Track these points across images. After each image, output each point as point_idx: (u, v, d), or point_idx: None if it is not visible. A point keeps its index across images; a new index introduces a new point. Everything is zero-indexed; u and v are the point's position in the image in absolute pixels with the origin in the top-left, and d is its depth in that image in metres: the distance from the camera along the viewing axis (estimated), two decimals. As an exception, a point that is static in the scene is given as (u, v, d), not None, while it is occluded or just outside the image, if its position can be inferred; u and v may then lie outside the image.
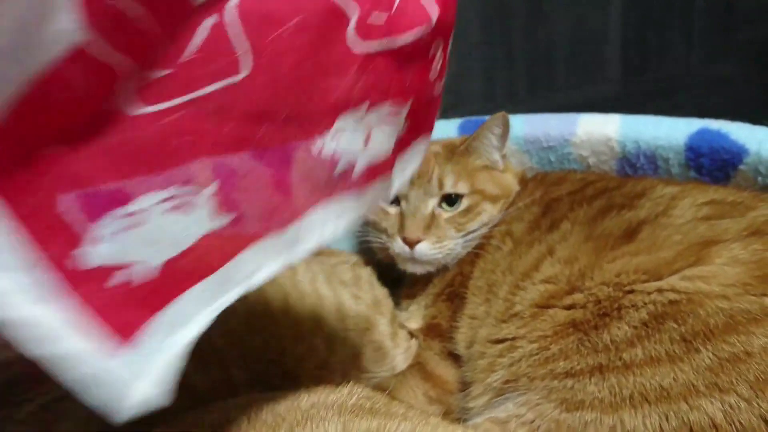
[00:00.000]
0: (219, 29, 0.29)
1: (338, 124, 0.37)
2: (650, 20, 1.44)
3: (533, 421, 0.55)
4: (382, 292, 0.81)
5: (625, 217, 0.63)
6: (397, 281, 0.85)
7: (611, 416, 0.51)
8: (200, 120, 0.30)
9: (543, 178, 0.80)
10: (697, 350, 0.50)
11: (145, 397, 0.29)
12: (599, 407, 0.52)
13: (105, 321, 0.28)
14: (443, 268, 0.78)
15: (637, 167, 0.80)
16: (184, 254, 0.32)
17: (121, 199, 0.28)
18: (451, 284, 0.76)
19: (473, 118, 0.92)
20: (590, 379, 0.54)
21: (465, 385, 0.67)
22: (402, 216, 0.77)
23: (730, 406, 0.47)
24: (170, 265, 0.31)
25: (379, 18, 0.36)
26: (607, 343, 0.55)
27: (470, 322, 0.70)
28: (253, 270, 0.36)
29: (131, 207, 0.29)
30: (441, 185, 0.77)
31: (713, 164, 0.74)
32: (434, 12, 0.39)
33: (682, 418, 0.48)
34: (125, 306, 0.30)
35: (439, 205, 0.77)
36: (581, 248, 0.63)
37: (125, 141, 0.28)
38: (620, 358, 0.53)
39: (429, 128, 0.48)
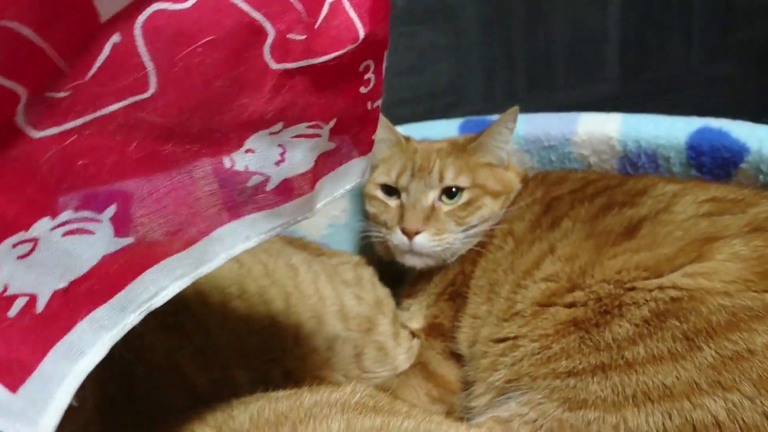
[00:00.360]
0: (124, 47, 0.29)
1: (250, 140, 0.36)
2: (649, 20, 1.44)
3: (536, 420, 0.55)
4: (384, 293, 0.81)
5: (626, 215, 0.63)
6: (399, 281, 0.85)
7: (614, 415, 0.51)
8: (104, 139, 0.30)
9: (544, 178, 0.80)
10: (700, 348, 0.50)
11: (52, 424, 0.30)
12: (602, 406, 0.52)
13: (6, 357, 0.28)
14: (444, 267, 0.78)
15: (638, 166, 0.79)
16: (84, 277, 0.32)
17: (17, 226, 0.28)
18: (453, 283, 0.76)
19: (474, 117, 0.92)
20: (593, 377, 0.54)
21: (467, 385, 0.67)
22: (402, 208, 0.77)
23: (734, 404, 0.47)
24: (72, 290, 0.31)
25: (298, 36, 0.35)
26: (609, 341, 0.55)
27: (472, 321, 0.70)
28: (156, 291, 0.36)
29: (27, 234, 0.28)
30: (441, 178, 0.77)
31: (714, 163, 0.74)
32: (361, 31, 0.37)
33: (686, 416, 0.48)
34: (25, 340, 0.29)
35: (440, 199, 0.77)
36: (582, 246, 0.62)
37: (25, 165, 0.27)
38: (622, 357, 0.53)
39: (365, 146, 0.46)
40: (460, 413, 0.66)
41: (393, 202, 0.79)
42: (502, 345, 0.63)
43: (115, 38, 0.28)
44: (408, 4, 1.16)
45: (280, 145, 0.38)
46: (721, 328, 0.50)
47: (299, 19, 0.34)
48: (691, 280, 0.54)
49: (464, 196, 0.76)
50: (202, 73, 0.32)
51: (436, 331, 0.75)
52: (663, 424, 0.49)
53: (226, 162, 0.36)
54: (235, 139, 0.36)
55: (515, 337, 0.62)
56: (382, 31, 0.39)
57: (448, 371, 0.71)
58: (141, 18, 0.29)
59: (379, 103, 0.44)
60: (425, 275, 0.79)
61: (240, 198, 0.38)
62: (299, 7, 0.34)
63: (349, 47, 0.37)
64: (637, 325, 0.54)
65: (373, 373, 0.70)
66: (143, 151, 0.32)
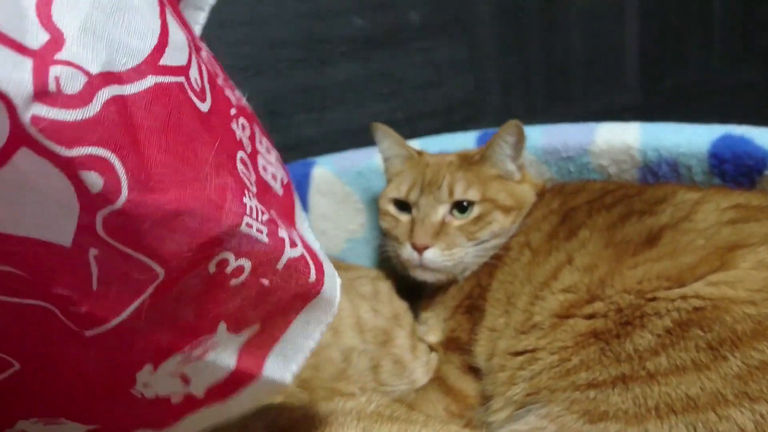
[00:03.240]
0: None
1: (139, 380, 0.36)
2: (669, 28, 1.43)
3: (555, 433, 0.54)
4: (401, 306, 0.80)
5: (646, 223, 0.62)
6: (418, 295, 0.84)
7: (636, 427, 0.50)
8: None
9: (561, 189, 0.79)
10: (725, 358, 0.49)
11: None
12: (623, 418, 0.51)
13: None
14: (457, 281, 0.77)
15: (659, 176, 0.78)
16: None
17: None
18: (470, 296, 0.75)
19: (491, 130, 0.92)
20: (613, 389, 0.53)
21: (485, 399, 0.66)
22: (412, 223, 0.77)
23: (761, 416, 0.46)
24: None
25: (78, 310, 0.31)
26: (630, 352, 0.53)
27: (489, 334, 0.69)
28: None
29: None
30: (451, 192, 0.76)
31: (737, 170, 0.72)
32: (159, 268, 0.31)
33: (711, 428, 0.47)
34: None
35: (450, 213, 0.76)
36: (601, 255, 0.61)
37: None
38: (644, 368, 0.52)
39: (306, 294, 0.40)
40: (478, 428, 0.65)
41: (404, 217, 0.79)
42: (520, 358, 0.62)
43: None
44: (424, 18, 1.17)
45: (172, 374, 0.37)
46: (747, 337, 0.49)
47: (64, 295, 0.30)
48: (714, 289, 0.53)
49: (475, 211, 0.76)
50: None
51: (453, 345, 0.74)
52: (687, 437, 0.47)
53: (136, 393, 0.37)
54: (123, 379, 0.36)
55: (533, 350, 0.61)
56: (203, 236, 0.32)
57: (467, 386, 0.70)
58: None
59: (287, 256, 0.37)
60: (442, 289, 0.79)
61: (179, 406, 0.39)
62: (56, 289, 0.30)
63: (153, 285, 0.32)
64: (659, 336, 0.53)
65: (390, 386, 0.69)
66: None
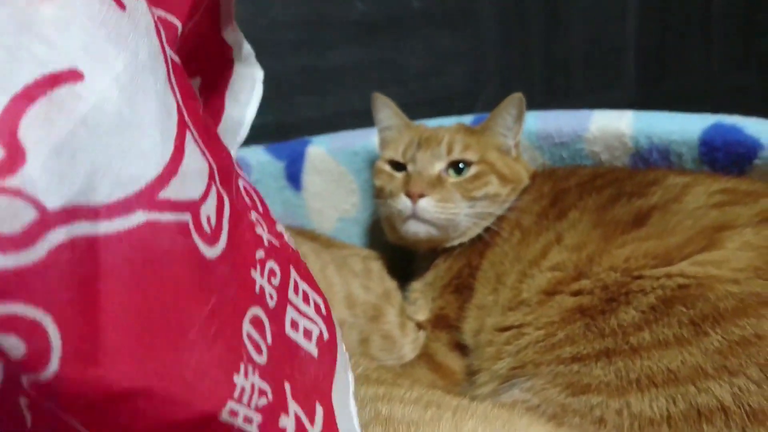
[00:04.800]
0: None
1: None
2: (669, 27, 1.44)
3: (539, 405, 0.55)
4: (392, 285, 0.81)
5: (636, 204, 0.63)
6: (408, 276, 0.85)
7: (618, 400, 0.51)
8: None
9: (552, 173, 0.80)
10: (706, 333, 0.50)
11: None
12: (605, 391, 0.52)
13: None
14: (449, 258, 0.78)
15: (650, 163, 0.79)
16: None
17: None
18: (459, 276, 0.75)
19: (486, 114, 0.92)
20: (596, 363, 0.53)
21: (472, 374, 0.67)
22: (408, 176, 0.77)
23: (740, 389, 0.46)
24: None
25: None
26: (614, 327, 0.54)
27: (478, 311, 0.70)
28: None
29: None
30: (450, 150, 0.76)
31: (727, 159, 0.73)
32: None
33: (690, 401, 0.48)
34: None
35: (446, 171, 0.76)
36: (590, 235, 0.62)
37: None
38: (627, 342, 0.53)
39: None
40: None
41: (399, 174, 0.79)
42: (506, 334, 0.63)
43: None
44: (426, 6, 1.18)
45: None
46: (729, 314, 0.50)
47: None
48: (699, 268, 0.54)
49: (471, 170, 0.76)
50: None
51: (441, 323, 0.74)
52: (667, 408, 0.48)
53: None
54: None
55: (520, 326, 0.62)
56: (161, 425, 0.24)
57: (453, 362, 0.71)
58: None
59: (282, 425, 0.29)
60: (432, 268, 0.79)
61: None
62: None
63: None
64: (643, 312, 0.54)
65: (380, 360, 0.70)
66: None
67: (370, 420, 0.40)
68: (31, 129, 0.20)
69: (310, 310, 0.35)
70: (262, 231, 0.33)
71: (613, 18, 1.39)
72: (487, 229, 0.75)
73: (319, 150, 0.95)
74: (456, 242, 0.77)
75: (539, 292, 0.62)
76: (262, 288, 0.30)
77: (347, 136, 0.96)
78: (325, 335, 0.35)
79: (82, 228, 0.21)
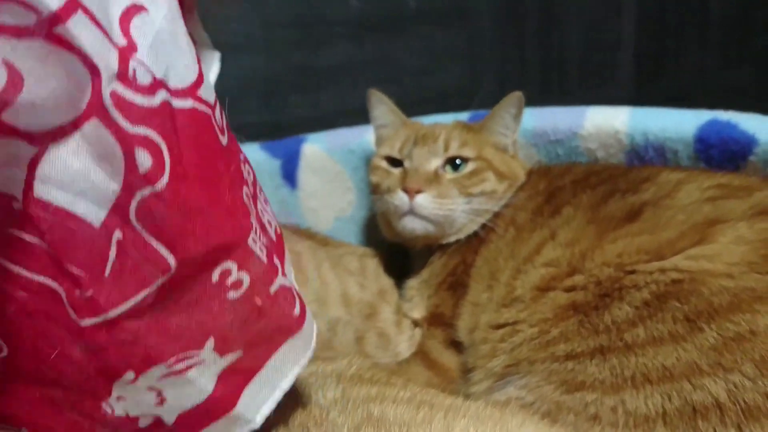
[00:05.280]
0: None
1: (115, 389, 0.35)
2: (665, 25, 1.44)
3: (533, 403, 0.54)
4: (388, 283, 0.81)
5: (629, 200, 0.63)
6: (404, 273, 0.85)
7: (612, 397, 0.50)
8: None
9: (547, 171, 0.80)
10: (701, 329, 0.49)
11: None
12: (600, 388, 0.51)
13: None
14: (445, 255, 0.77)
15: (645, 160, 0.79)
16: None
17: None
18: (454, 273, 0.75)
19: (482, 111, 0.92)
20: (591, 360, 0.53)
21: (466, 371, 0.67)
22: (404, 172, 0.76)
23: (735, 386, 0.46)
24: None
25: (85, 293, 0.32)
26: (608, 324, 0.54)
27: (472, 308, 0.69)
28: None
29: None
30: (447, 147, 0.76)
31: (723, 155, 0.73)
32: (171, 260, 0.33)
33: (685, 397, 0.47)
34: None
35: (443, 168, 0.76)
36: (583, 231, 0.62)
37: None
38: (621, 339, 0.52)
39: (288, 327, 0.41)
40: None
41: (395, 170, 0.79)
42: (501, 331, 0.62)
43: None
44: (422, 4, 1.18)
45: (150, 389, 0.36)
46: (723, 309, 0.49)
47: (76, 276, 0.32)
48: (693, 263, 0.53)
49: (469, 167, 0.76)
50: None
51: (437, 321, 0.74)
52: (662, 405, 0.48)
53: (106, 408, 0.36)
54: (100, 387, 0.35)
55: (514, 323, 0.61)
56: (217, 239, 0.35)
57: (449, 360, 0.71)
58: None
59: (279, 284, 0.39)
60: (428, 264, 0.79)
61: None
62: (71, 267, 0.31)
63: (161, 279, 0.33)
64: (637, 308, 0.53)
65: (375, 358, 0.70)
66: None
67: (362, 421, 0.39)
68: (135, 31, 0.31)
69: (269, 209, 0.45)
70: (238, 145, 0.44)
71: (610, 15, 1.39)
72: (483, 226, 0.75)
73: (315, 148, 0.94)
74: (452, 238, 0.77)
75: (533, 289, 0.61)
76: (246, 178, 0.41)
77: (343, 134, 0.96)
78: (278, 230, 0.45)
79: (168, 97, 0.33)
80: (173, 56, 0.33)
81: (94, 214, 0.31)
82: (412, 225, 0.74)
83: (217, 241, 0.35)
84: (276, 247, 0.42)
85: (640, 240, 0.57)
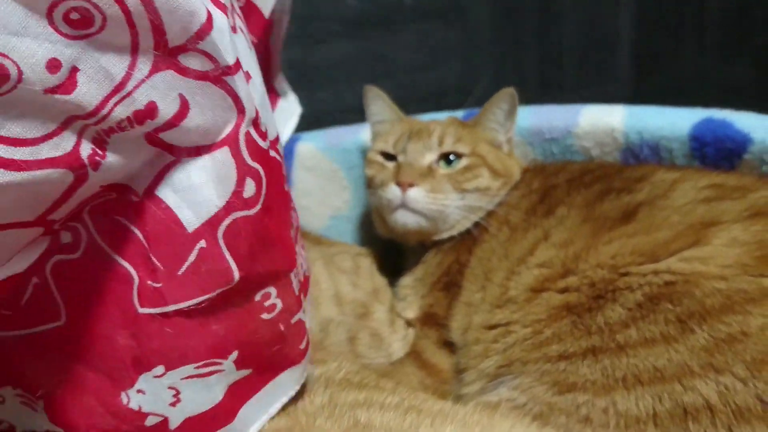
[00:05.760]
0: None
1: (139, 381, 0.39)
2: (662, 21, 1.43)
3: (525, 404, 0.54)
4: (381, 282, 0.81)
5: (624, 200, 0.62)
6: (398, 273, 0.84)
7: (604, 398, 0.50)
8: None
9: (542, 169, 0.80)
10: (693, 331, 0.49)
11: None
12: (591, 389, 0.51)
13: None
14: (439, 254, 0.77)
15: (640, 158, 0.78)
16: None
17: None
18: (448, 273, 0.75)
19: (478, 109, 0.92)
20: (583, 361, 0.53)
21: (459, 372, 0.67)
22: (398, 166, 0.76)
23: (726, 387, 0.46)
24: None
25: (155, 284, 0.37)
26: (601, 325, 0.54)
27: (466, 309, 0.69)
28: None
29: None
30: (441, 142, 0.76)
31: (718, 154, 0.72)
32: (236, 274, 0.38)
33: (676, 399, 0.47)
34: None
35: (437, 163, 0.76)
36: (577, 231, 0.62)
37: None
38: (614, 340, 0.52)
39: (294, 357, 0.46)
40: (452, 401, 0.66)
41: (390, 164, 0.79)
42: (494, 332, 0.62)
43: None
44: (417, 1, 1.17)
45: (171, 387, 0.40)
46: (715, 310, 0.49)
47: (155, 268, 0.36)
48: (686, 265, 0.53)
49: (462, 162, 0.75)
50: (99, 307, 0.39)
51: (430, 321, 0.74)
52: (653, 407, 0.48)
53: (123, 398, 0.39)
54: (127, 376, 0.39)
55: (507, 323, 0.61)
56: (272, 266, 0.40)
57: (442, 360, 0.70)
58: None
59: (298, 317, 0.44)
60: (421, 262, 0.79)
61: None
62: (155, 259, 0.36)
63: (221, 289, 0.38)
64: (630, 309, 0.53)
65: (367, 358, 0.70)
66: None
67: (348, 428, 0.40)
68: (253, 91, 0.37)
69: (303, 257, 0.49)
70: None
71: (607, 13, 1.38)
72: (477, 225, 0.75)
73: (309, 146, 0.94)
74: (445, 235, 0.76)
75: (526, 290, 0.61)
76: (293, 222, 0.45)
77: (337, 133, 0.96)
78: (307, 273, 0.50)
79: (269, 145, 0.39)
80: (267, 115, 0.40)
81: (192, 221, 0.36)
82: (404, 219, 0.74)
83: (274, 268, 0.40)
84: (303, 286, 0.47)
85: (635, 241, 0.57)
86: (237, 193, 0.36)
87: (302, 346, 0.46)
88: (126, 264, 0.37)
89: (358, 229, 0.96)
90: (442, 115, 0.90)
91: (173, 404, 0.40)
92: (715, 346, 0.48)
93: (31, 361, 0.39)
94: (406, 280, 0.80)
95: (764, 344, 0.46)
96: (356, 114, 0.92)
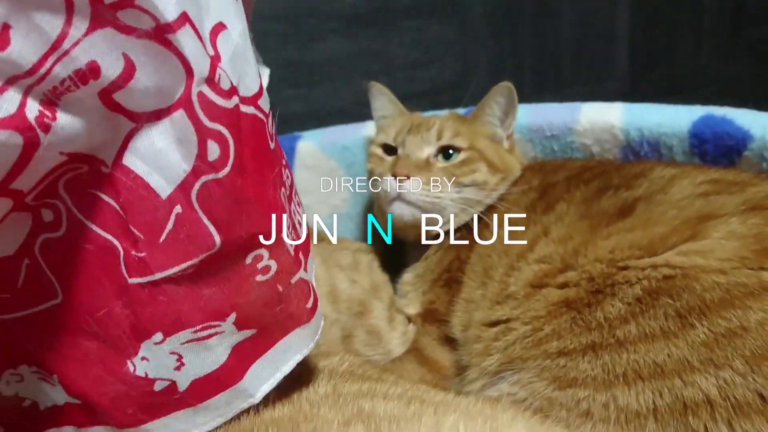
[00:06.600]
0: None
1: (142, 349, 0.39)
2: (659, 17, 1.43)
3: (525, 399, 0.54)
4: (381, 278, 0.81)
5: (622, 196, 0.62)
6: (400, 269, 0.84)
7: (604, 393, 0.51)
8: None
9: (542, 166, 0.80)
10: (692, 325, 0.49)
11: None
12: (592, 384, 0.51)
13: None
14: (440, 250, 0.77)
15: (640, 155, 0.79)
16: None
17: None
18: (449, 270, 0.75)
19: (474, 107, 0.92)
20: (583, 357, 0.53)
21: (461, 369, 0.67)
22: (397, 158, 0.77)
23: (725, 382, 0.46)
24: None
25: (139, 254, 0.37)
26: (600, 320, 0.54)
27: (466, 305, 0.69)
28: None
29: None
30: (440, 136, 0.77)
31: (717, 151, 0.73)
32: (217, 238, 0.37)
33: (676, 394, 0.47)
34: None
35: (435, 157, 0.76)
36: (576, 227, 0.62)
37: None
38: (613, 336, 0.52)
39: (299, 318, 0.45)
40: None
41: (389, 157, 0.80)
42: (494, 329, 0.62)
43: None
44: (414, -2, 1.17)
45: (173, 353, 0.40)
46: (715, 305, 0.49)
47: (136, 238, 0.37)
48: (685, 258, 0.53)
49: (460, 156, 0.76)
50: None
51: (431, 317, 0.74)
52: (653, 401, 0.48)
53: (129, 366, 0.40)
54: (129, 345, 0.40)
55: (507, 320, 0.61)
56: (257, 228, 0.40)
57: (443, 357, 0.71)
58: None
59: (299, 276, 0.44)
60: (423, 258, 0.79)
61: (153, 400, 0.41)
62: (134, 230, 0.37)
63: (204, 254, 0.37)
64: (629, 304, 0.53)
65: (364, 356, 0.70)
66: None
67: (352, 416, 0.39)
68: (219, 45, 0.37)
69: (301, 211, 0.50)
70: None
71: (604, 10, 1.38)
72: (479, 219, 0.75)
73: (310, 145, 0.94)
74: (441, 226, 0.76)
75: (526, 285, 0.61)
76: (285, 180, 0.45)
77: (337, 131, 0.96)
78: (307, 230, 0.49)
79: (238, 102, 0.38)
80: (244, 69, 0.39)
81: (163, 187, 0.36)
82: (400, 210, 0.74)
83: (257, 230, 0.40)
84: (303, 245, 0.47)
85: (633, 236, 0.57)
86: (200, 156, 0.36)
87: (309, 305, 0.46)
88: (108, 236, 0.37)
89: (359, 227, 0.96)
90: (442, 113, 0.90)
91: (177, 368, 0.40)
92: (714, 341, 0.48)
93: (38, 339, 0.40)
94: (408, 277, 0.80)
95: (763, 339, 0.46)
96: (354, 111, 0.92)
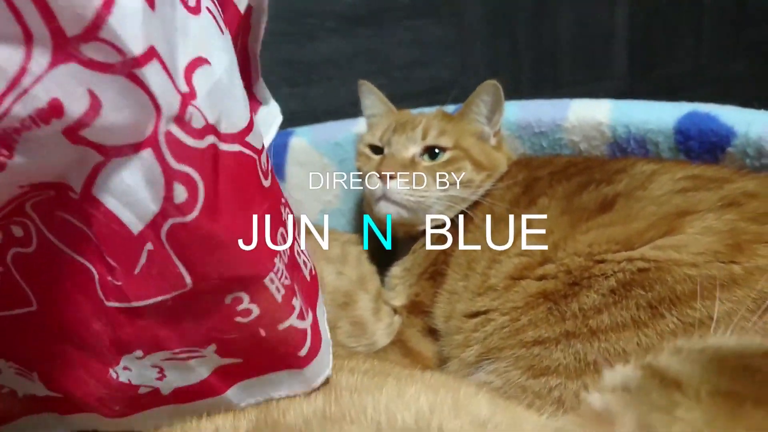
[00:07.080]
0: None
1: (123, 360, 0.40)
2: (658, 17, 1.43)
3: (501, 387, 0.56)
4: (369, 270, 0.82)
5: (602, 192, 0.63)
6: (390, 262, 0.85)
7: (575, 381, 0.52)
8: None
9: (528, 162, 0.81)
10: (662, 315, 0.50)
11: None
12: (564, 373, 0.52)
13: None
14: (425, 242, 0.78)
15: (627, 152, 0.79)
16: None
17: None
18: (435, 263, 0.76)
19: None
20: (557, 346, 0.54)
21: (443, 361, 0.68)
22: (382, 158, 0.78)
23: (693, 371, 0.47)
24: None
25: (115, 282, 0.36)
26: (575, 311, 0.55)
27: (449, 296, 0.70)
28: None
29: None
30: (425, 135, 0.77)
31: (702, 147, 0.73)
32: (188, 279, 0.37)
33: (645, 382, 0.48)
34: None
35: (421, 156, 0.77)
36: (557, 221, 0.63)
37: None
38: (586, 325, 0.53)
39: (294, 363, 0.44)
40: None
41: (376, 156, 0.81)
42: (474, 320, 0.63)
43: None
44: (412, -2, 1.18)
45: (154, 366, 0.40)
46: (685, 296, 0.50)
47: (112, 266, 0.36)
48: (660, 252, 0.54)
49: (445, 156, 0.76)
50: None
51: (416, 309, 0.75)
52: (622, 390, 0.49)
53: (112, 373, 0.40)
54: (111, 356, 0.40)
55: (487, 311, 0.62)
56: (233, 272, 0.38)
57: (426, 348, 0.72)
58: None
59: (289, 324, 0.42)
60: (410, 252, 0.80)
61: (138, 400, 0.42)
62: (109, 258, 0.36)
63: (177, 292, 0.37)
64: (603, 295, 0.54)
65: (348, 347, 0.71)
66: None
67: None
68: (197, 79, 0.35)
69: (308, 253, 0.49)
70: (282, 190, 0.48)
71: (603, 9, 1.38)
72: (463, 214, 0.76)
73: (302, 141, 0.95)
74: (428, 226, 0.77)
75: (506, 277, 0.62)
76: (284, 219, 0.44)
77: (330, 128, 0.97)
78: (313, 272, 0.50)
79: (215, 141, 0.36)
80: (228, 104, 0.38)
81: (134, 224, 0.35)
82: (385, 210, 0.75)
83: (233, 274, 0.38)
84: (308, 290, 0.46)
85: (611, 230, 0.57)
86: (167, 198, 0.34)
87: (302, 353, 0.44)
88: (82, 260, 0.36)
89: (350, 223, 0.97)
90: (430, 110, 0.91)
91: (159, 379, 0.41)
92: (683, 331, 0.49)
93: (14, 340, 0.40)
94: (396, 270, 0.81)
95: (730, 329, 0.47)
96: (350, 110, 0.93)
